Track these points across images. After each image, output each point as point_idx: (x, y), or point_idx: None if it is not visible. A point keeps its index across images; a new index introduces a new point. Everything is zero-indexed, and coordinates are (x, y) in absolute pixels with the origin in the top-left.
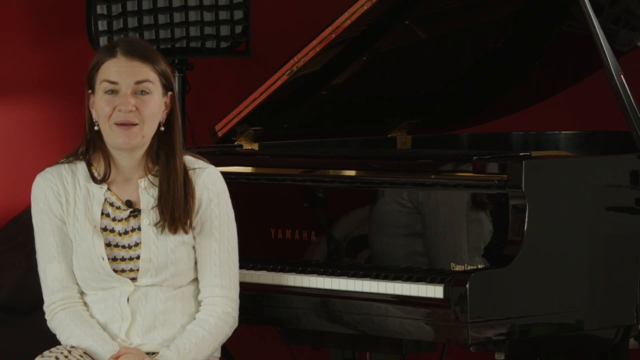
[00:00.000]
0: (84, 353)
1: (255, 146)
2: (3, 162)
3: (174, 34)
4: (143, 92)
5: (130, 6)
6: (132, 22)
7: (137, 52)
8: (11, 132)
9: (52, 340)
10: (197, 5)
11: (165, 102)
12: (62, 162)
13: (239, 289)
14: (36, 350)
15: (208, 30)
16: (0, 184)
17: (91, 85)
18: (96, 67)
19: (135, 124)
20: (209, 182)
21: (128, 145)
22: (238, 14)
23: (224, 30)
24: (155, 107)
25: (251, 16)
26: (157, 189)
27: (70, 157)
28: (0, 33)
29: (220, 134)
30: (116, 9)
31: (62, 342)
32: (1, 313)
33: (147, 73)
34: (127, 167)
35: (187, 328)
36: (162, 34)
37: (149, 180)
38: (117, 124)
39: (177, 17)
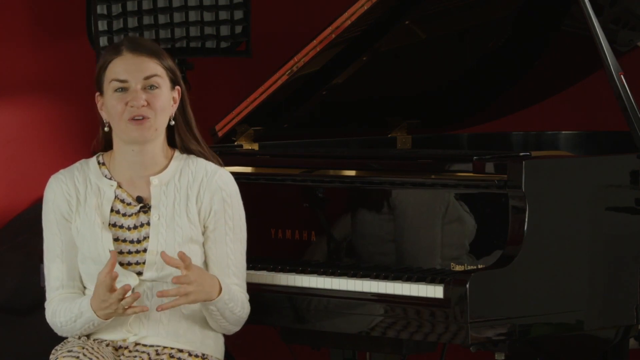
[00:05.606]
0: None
1: (255, 146)
2: (2, 162)
3: (174, 34)
4: (152, 87)
5: (130, 6)
6: (132, 22)
7: (142, 48)
8: (11, 132)
9: (52, 340)
10: (197, 5)
11: (174, 97)
12: (76, 164)
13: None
14: (36, 351)
15: (208, 30)
16: (0, 184)
17: (99, 87)
18: (103, 68)
19: (148, 118)
20: (222, 183)
21: (142, 138)
22: (238, 14)
23: (224, 30)
24: (166, 100)
25: (251, 16)
26: (169, 186)
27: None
28: (0, 33)
29: (220, 134)
30: (116, 9)
31: (58, 327)
32: (1, 313)
33: (154, 68)
34: (138, 164)
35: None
36: (162, 34)
37: (162, 177)
38: (129, 120)
39: (177, 17)
